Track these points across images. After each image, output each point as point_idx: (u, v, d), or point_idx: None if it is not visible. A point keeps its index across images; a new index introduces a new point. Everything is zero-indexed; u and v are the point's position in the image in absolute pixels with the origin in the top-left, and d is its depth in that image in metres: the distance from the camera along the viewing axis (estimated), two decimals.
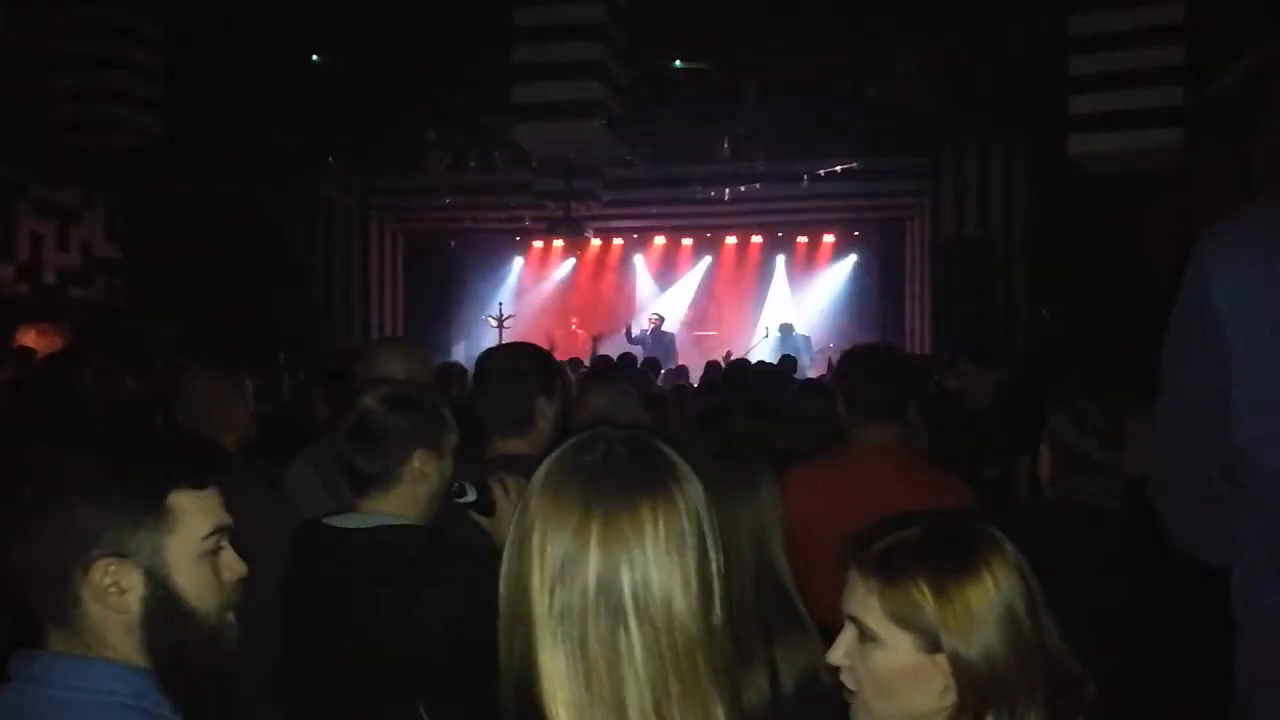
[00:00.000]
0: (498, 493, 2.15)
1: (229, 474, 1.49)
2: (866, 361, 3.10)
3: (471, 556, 2.06)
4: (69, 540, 1.35)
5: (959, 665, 1.36)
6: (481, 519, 2.18)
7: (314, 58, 10.06)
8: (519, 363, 2.89)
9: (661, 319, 14.87)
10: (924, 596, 1.38)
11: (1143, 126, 6.75)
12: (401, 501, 2.21)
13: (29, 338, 9.83)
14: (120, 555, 1.36)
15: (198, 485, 1.43)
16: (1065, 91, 7.06)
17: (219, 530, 1.44)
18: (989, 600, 1.36)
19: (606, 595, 1.07)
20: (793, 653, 1.92)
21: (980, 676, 1.35)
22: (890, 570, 1.42)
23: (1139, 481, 2.42)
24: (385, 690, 2.00)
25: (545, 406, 2.79)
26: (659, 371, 9.97)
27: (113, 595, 1.35)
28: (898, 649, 1.40)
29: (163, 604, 1.38)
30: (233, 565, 1.47)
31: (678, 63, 10.06)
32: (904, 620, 1.39)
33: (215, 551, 1.44)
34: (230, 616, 1.46)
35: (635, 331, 14.59)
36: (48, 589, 1.36)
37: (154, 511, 1.39)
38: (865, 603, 1.43)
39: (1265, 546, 1.60)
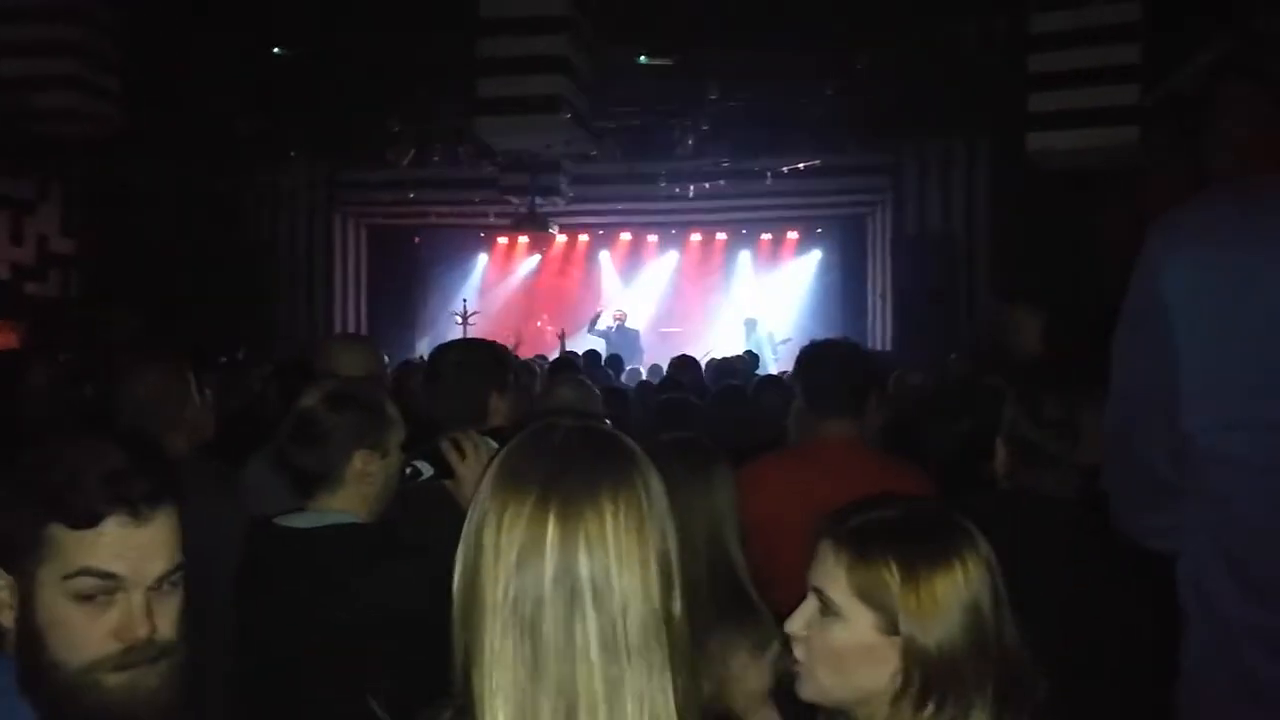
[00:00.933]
0: (452, 457, 2.11)
1: (148, 508, 1.33)
2: (824, 356, 3.12)
3: (422, 553, 2.05)
4: None
5: (913, 649, 1.37)
6: (448, 484, 2.17)
7: (275, 49, 9.94)
8: (472, 358, 2.89)
9: (625, 315, 14.87)
10: (892, 577, 1.39)
11: (1099, 124, 6.84)
12: (349, 500, 2.19)
13: None
14: (4, 567, 1.31)
15: (77, 525, 1.28)
16: (1024, 89, 7.14)
17: (97, 575, 1.28)
18: (956, 591, 1.38)
19: (564, 583, 1.06)
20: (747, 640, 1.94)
21: (932, 663, 1.36)
22: (863, 546, 1.43)
23: (1095, 473, 2.46)
24: (336, 688, 1.99)
25: (498, 402, 2.79)
26: (621, 369, 9.97)
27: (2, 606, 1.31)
28: (857, 625, 1.41)
29: (27, 635, 1.29)
30: (126, 623, 1.29)
31: (642, 58, 10.03)
32: (868, 597, 1.40)
33: (91, 597, 1.28)
34: (110, 679, 1.28)
35: (600, 326, 14.59)
36: None
37: (30, 535, 1.29)
38: (833, 574, 1.44)
39: (1210, 533, 1.62)
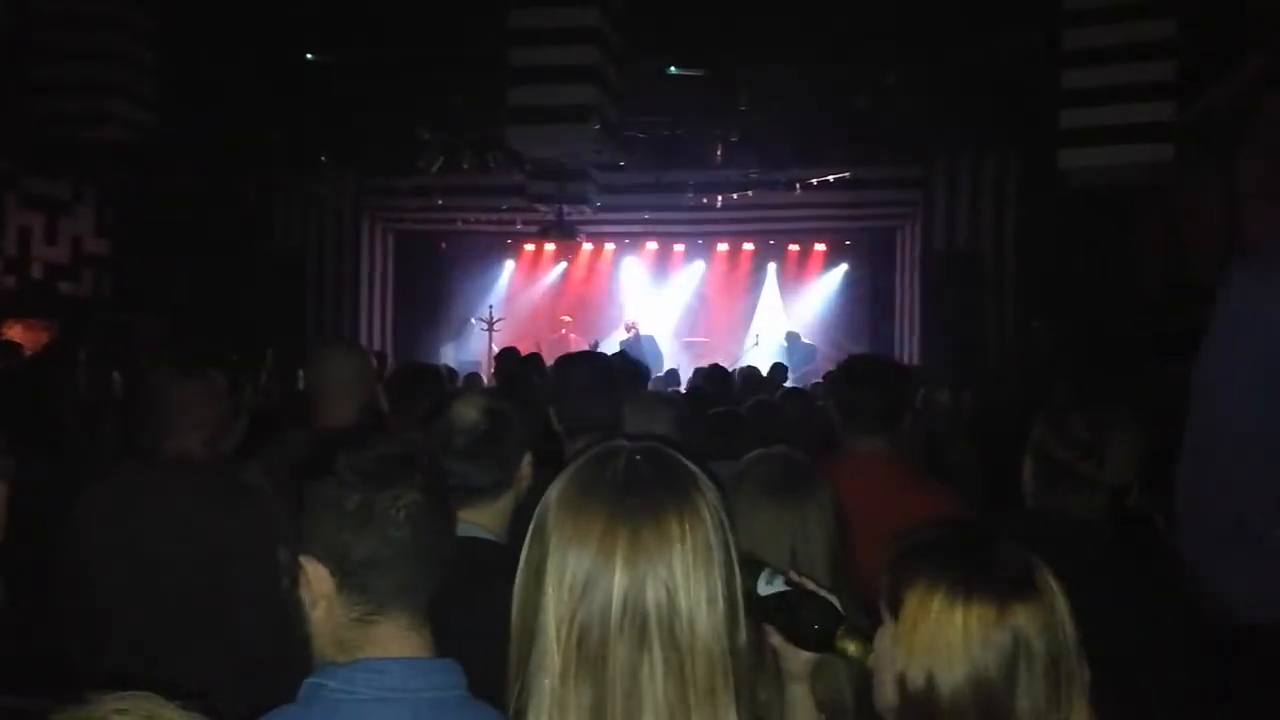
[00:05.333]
0: None
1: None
2: (860, 371, 3.13)
3: None
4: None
5: (905, 680, 1.34)
6: None
7: (309, 56, 10.04)
8: (614, 370, 3.09)
9: (636, 325, 14.91)
10: (907, 594, 1.36)
11: (1133, 141, 6.77)
12: (501, 510, 2.23)
13: (15, 333, 9.78)
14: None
15: None
16: (1057, 105, 7.08)
17: None
18: (947, 636, 1.31)
19: (631, 615, 1.03)
20: None
21: (921, 699, 1.32)
22: (899, 559, 1.42)
23: (1120, 493, 2.43)
24: None
25: None
26: (648, 378, 9.96)
27: None
28: (887, 628, 1.40)
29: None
30: None
31: (672, 69, 10.06)
32: (890, 605, 1.39)
33: None
34: None
35: (616, 341, 14.67)
36: (445, 570, 1.47)
37: None
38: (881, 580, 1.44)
39: None
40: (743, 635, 1.08)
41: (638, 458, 1.11)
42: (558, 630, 1.04)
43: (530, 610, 1.07)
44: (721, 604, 1.06)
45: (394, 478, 1.39)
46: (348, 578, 1.37)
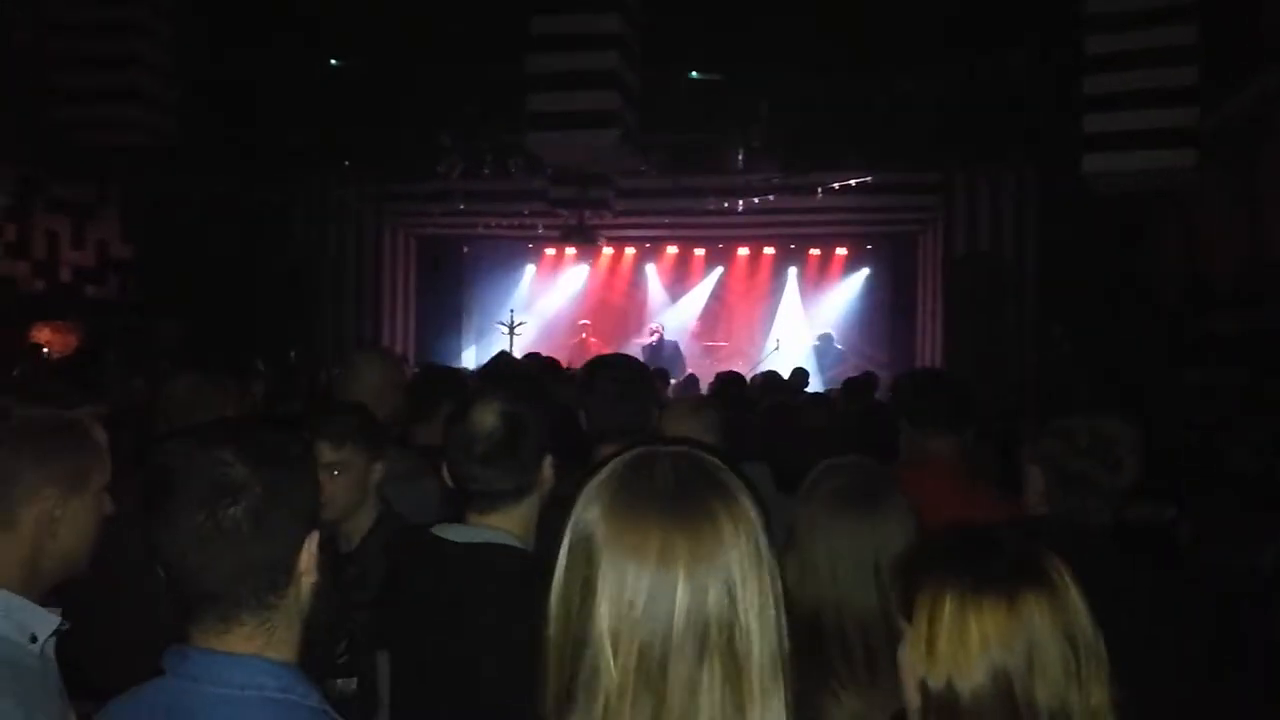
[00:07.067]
0: None
1: None
2: (928, 379, 3.53)
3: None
4: (305, 514, 1.43)
5: (926, 686, 1.35)
6: None
7: (332, 61, 10.11)
8: (645, 374, 3.11)
9: (661, 329, 14.93)
10: (922, 600, 1.38)
11: (1156, 147, 6.73)
12: (526, 514, 2.22)
13: (43, 335, 9.89)
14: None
15: None
16: (1079, 110, 7.05)
17: None
18: (963, 640, 1.33)
19: (694, 627, 1.01)
20: None
21: (942, 702, 1.33)
22: (912, 565, 1.44)
23: (1129, 495, 2.44)
24: (476, 704, 1.99)
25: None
26: (668, 382, 9.98)
27: (314, 564, 1.44)
28: (905, 642, 1.41)
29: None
30: None
31: (693, 73, 10.08)
32: (905, 613, 1.41)
33: None
34: None
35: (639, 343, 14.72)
36: (273, 574, 1.39)
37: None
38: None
39: None
40: (787, 642, 1.07)
41: (681, 464, 1.09)
42: (614, 645, 1.02)
43: (578, 623, 1.04)
44: (772, 608, 1.06)
45: (212, 484, 1.36)
46: (165, 572, 1.40)
